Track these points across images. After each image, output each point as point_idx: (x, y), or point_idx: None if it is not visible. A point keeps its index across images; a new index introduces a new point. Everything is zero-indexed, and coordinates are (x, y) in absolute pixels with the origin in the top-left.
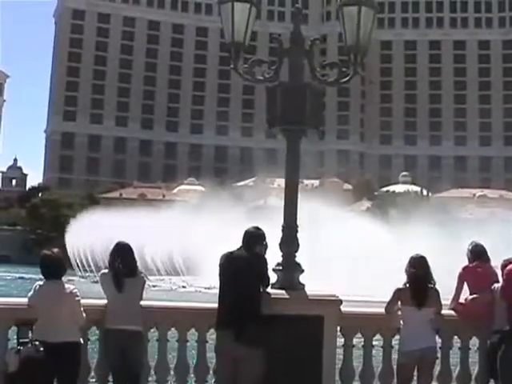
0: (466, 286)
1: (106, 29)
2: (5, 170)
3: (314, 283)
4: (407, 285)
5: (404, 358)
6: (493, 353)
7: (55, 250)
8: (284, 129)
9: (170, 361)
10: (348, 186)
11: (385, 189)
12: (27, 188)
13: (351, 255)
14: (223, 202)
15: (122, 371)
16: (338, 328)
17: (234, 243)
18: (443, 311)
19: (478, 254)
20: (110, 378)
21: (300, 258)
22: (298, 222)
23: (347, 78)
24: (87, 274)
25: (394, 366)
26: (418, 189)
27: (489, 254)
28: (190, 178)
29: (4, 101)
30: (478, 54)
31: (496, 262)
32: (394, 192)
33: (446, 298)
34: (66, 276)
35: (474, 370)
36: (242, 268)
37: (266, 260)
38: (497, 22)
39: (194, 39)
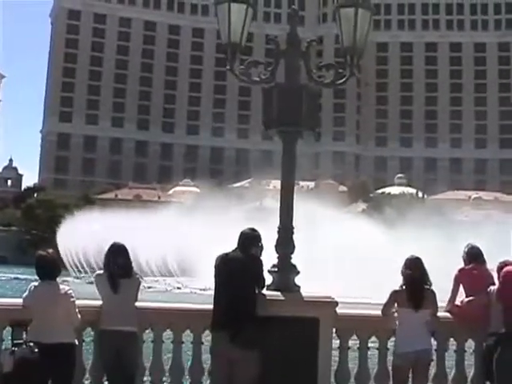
0: (461, 288)
1: (102, 29)
2: (0, 170)
3: (310, 285)
4: (403, 286)
5: (399, 360)
6: (488, 355)
7: (50, 250)
8: (280, 130)
9: (165, 362)
10: (343, 188)
11: (380, 191)
12: (22, 188)
13: (347, 257)
14: (219, 203)
15: (117, 372)
16: (334, 330)
17: (230, 245)
18: (439, 313)
19: (473, 256)
20: (105, 379)
21: (296, 259)
22: (294, 224)
23: (343, 80)
24: (82, 275)
25: (390, 368)
26: (413, 191)
27: (484, 256)
28: (186, 179)
29: (0, 101)
30: (474, 56)
31: (491, 265)
32: (389, 194)
33: (442, 300)
34: (60, 277)
35: (470, 372)
36: (237, 269)
37: (261, 261)
38: (493, 25)
39: (190, 40)
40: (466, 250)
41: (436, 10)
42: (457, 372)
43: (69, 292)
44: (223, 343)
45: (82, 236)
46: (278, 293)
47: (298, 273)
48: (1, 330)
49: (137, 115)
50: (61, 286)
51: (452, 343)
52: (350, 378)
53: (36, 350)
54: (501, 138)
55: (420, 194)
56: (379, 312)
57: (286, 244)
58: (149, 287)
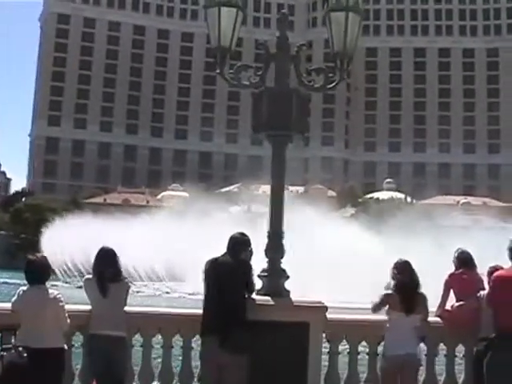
0: (452, 293)
1: (91, 33)
2: None
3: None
4: (395, 291)
5: (387, 363)
6: (479, 360)
7: (39, 254)
8: (270, 134)
9: (154, 367)
10: (332, 193)
11: (369, 195)
12: (11, 192)
13: (337, 261)
14: (207, 208)
15: (106, 377)
16: (324, 335)
17: (218, 249)
18: (429, 318)
19: (464, 261)
20: None
21: (286, 264)
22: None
23: (334, 84)
24: (69, 280)
25: (379, 373)
26: (402, 196)
27: (475, 261)
28: (175, 183)
29: None
30: (462, 62)
31: (482, 270)
32: (378, 199)
33: (433, 304)
34: (49, 281)
35: (460, 377)
36: (226, 274)
37: (250, 266)
38: (481, 30)
39: (180, 45)
40: (457, 254)
41: (425, 16)
42: (447, 377)
43: (58, 296)
44: (213, 348)
45: (67, 240)
46: (268, 297)
47: (288, 277)
48: None
49: (125, 119)
50: (50, 291)
51: (442, 348)
52: (340, 382)
53: (25, 355)
54: (489, 143)
55: (409, 199)
56: (369, 317)
57: (275, 248)
58: (137, 291)
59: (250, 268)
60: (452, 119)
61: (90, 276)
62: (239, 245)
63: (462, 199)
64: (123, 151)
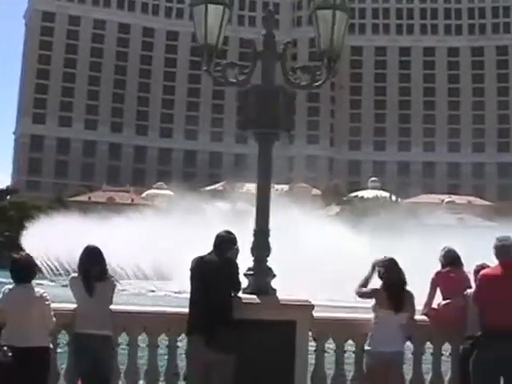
0: (438, 291)
1: (76, 31)
2: None
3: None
4: (383, 289)
5: (372, 359)
6: (465, 358)
7: (24, 253)
8: (256, 132)
9: (140, 366)
10: (317, 191)
11: (354, 194)
12: None
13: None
14: (192, 206)
15: (92, 376)
16: (310, 333)
17: (203, 247)
18: (416, 316)
19: (450, 259)
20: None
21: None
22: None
23: (321, 82)
24: (55, 278)
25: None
26: (386, 194)
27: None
28: (159, 182)
29: None
30: (447, 61)
31: (468, 268)
32: (362, 197)
33: (419, 303)
34: (35, 279)
35: (447, 375)
36: (212, 272)
37: (237, 264)
38: (466, 29)
39: (165, 43)
40: (443, 253)
41: (410, 15)
42: (434, 375)
43: (44, 295)
44: (199, 347)
45: (49, 238)
46: (254, 296)
47: (274, 276)
48: None
49: (110, 118)
50: (36, 289)
51: (429, 346)
52: (327, 381)
53: (10, 354)
54: (474, 143)
55: (393, 198)
56: (356, 315)
57: (261, 247)
58: (123, 290)
59: (236, 266)
60: (437, 118)
61: (76, 274)
62: (225, 243)
63: (447, 198)
64: (108, 149)
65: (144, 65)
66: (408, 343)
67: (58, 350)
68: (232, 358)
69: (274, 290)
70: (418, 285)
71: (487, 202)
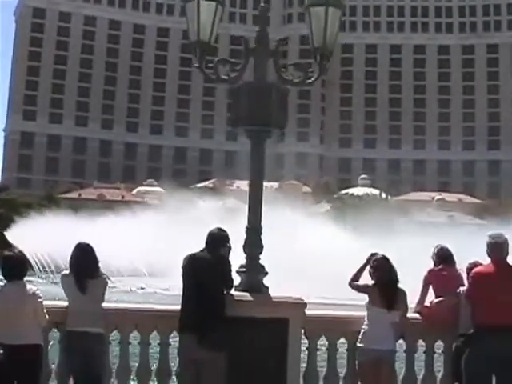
0: (431, 289)
1: (67, 28)
2: None
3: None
4: (375, 287)
5: (363, 356)
6: (457, 356)
7: (16, 250)
8: (249, 129)
9: (131, 363)
10: (307, 189)
11: (344, 191)
12: None
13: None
14: (182, 203)
15: (84, 374)
16: (303, 331)
17: (195, 244)
18: (408, 314)
19: (443, 257)
20: (72, 381)
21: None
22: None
23: (313, 79)
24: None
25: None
26: (377, 192)
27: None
28: (150, 179)
29: None
30: (437, 59)
31: (460, 266)
32: (352, 195)
33: (411, 301)
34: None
35: (439, 373)
36: (205, 270)
37: (229, 262)
38: (457, 27)
39: (155, 40)
40: (436, 250)
41: (401, 13)
42: (426, 373)
43: (37, 292)
44: (191, 345)
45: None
46: (247, 293)
47: (267, 273)
48: None
49: (101, 114)
50: (28, 286)
51: (421, 344)
52: (319, 379)
53: (1, 352)
54: (464, 140)
55: (384, 195)
56: (348, 313)
57: (254, 244)
58: (113, 287)
59: (228, 264)
60: (427, 116)
61: (67, 272)
62: (217, 240)
63: (437, 195)
64: (98, 146)
65: (134, 61)
66: (401, 341)
67: (49, 348)
68: (224, 356)
69: (267, 288)
70: (408, 282)
71: (477, 200)
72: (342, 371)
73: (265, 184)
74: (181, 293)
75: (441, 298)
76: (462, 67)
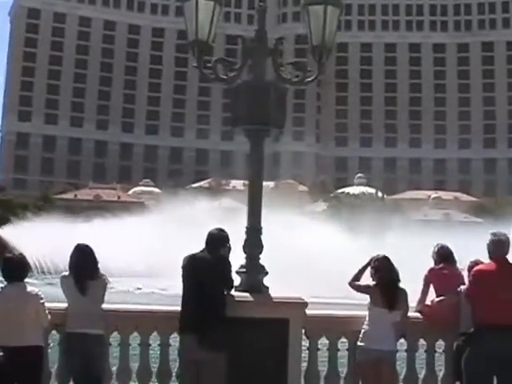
0: (432, 288)
1: (62, 28)
2: None
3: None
4: (376, 287)
5: (363, 356)
6: (458, 355)
7: (17, 252)
8: (247, 129)
9: (132, 365)
10: (303, 188)
11: (340, 190)
12: None
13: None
14: (178, 203)
15: (84, 376)
16: (303, 331)
17: (192, 244)
18: (409, 313)
19: (444, 256)
20: (72, 383)
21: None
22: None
23: (312, 78)
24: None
25: None
26: (373, 190)
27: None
28: (145, 179)
29: None
30: (433, 57)
31: (462, 264)
32: (349, 194)
33: (411, 300)
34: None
35: (440, 372)
36: (205, 270)
37: (229, 262)
38: (452, 26)
39: (150, 40)
40: (436, 249)
41: (396, 11)
42: (427, 372)
43: (39, 293)
44: (191, 345)
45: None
46: (247, 294)
47: (267, 273)
48: None
49: (96, 115)
50: (29, 288)
51: (422, 343)
52: (320, 378)
53: (1, 354)
54: (460, 139)
55: (380, 194)
56: (349, 312)
57: (254, 244)
58: (110, 288)
59: (228, 264)
60: (423, 114)
61: (67, 273)
62: (217, 241)
63: (433, 194)
64: (94, 147)
65: (130, 62)
66: (402, 340)
67: (49, 350)
68: (224, 356)
69: (267, 288)
70: (405, 281)
71: (473, 198)
72: (343, 371)
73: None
74: (178, 293)
75: (442, 297)
76: (458, 65)
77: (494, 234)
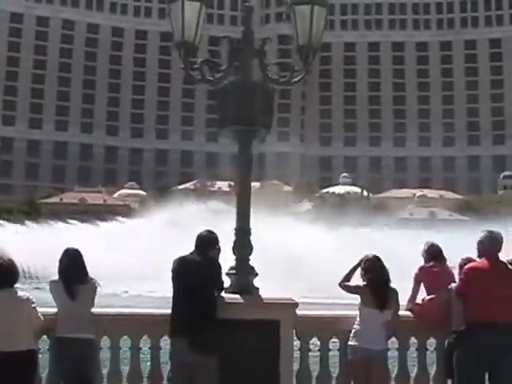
0: (422, 286)
1: (45, 32)
2: None
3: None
4: (367, 288)
5: (354, 355)
6: (450, 353)
7: (6, 257)
8: (235, 130)
9: (122, 369)
10: (288, 188)
11: (325, 190)
12: None
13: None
14: (165, 205)
15: (75, 380)
16: (294, 331)
17: (179, 247)
18: (400, 312)
19: (434, 254)
20: None
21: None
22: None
23: (299, 78)
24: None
25: None
26: (358, 189)
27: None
28: (131, 182)
29: None
30: (416, 56)
31: (452, 262)
32: (334, 193)
33: (402, 298)
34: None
35: (432, 370)
36: (195, 272)
37: (219, 264)
38: (435, 24)
39: (134, 42)
40: (426, 247)
41: (379, 10)
42: (419, 370)
43: (30, 298)
44: (182, 348)
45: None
46: (237, 295)
47: (257, 275)
48: None
49: (80, 118)
50: (20, 293)
51: (413, 342)
52: (312, 379)
53: None
54: (444, 136)
55: (365, 193)
56: (339, 312)
57: (243, 246)
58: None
59: (218, 266)
60: (407, 113)
61: (56, 278)
62: (207, 242)
63: (418, 192)
64: (79, 150)
65: (113, 65)
66: (393, 339)
67: (39, 355)
68: (215, 358)
69: (257, 289)
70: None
71: (459, 196)
72: (335, 371)
73: None
74: (166, 295)
75: (432, 295)
76: (441, 63)
77: (488, 231)
